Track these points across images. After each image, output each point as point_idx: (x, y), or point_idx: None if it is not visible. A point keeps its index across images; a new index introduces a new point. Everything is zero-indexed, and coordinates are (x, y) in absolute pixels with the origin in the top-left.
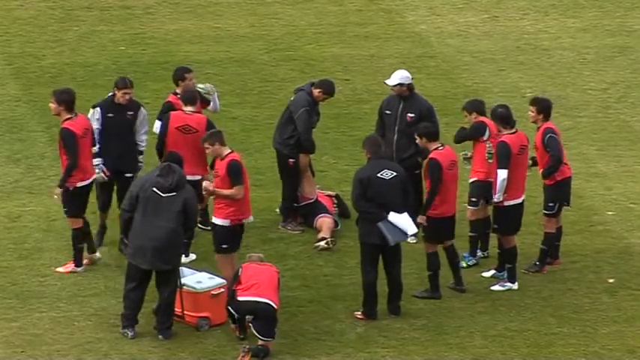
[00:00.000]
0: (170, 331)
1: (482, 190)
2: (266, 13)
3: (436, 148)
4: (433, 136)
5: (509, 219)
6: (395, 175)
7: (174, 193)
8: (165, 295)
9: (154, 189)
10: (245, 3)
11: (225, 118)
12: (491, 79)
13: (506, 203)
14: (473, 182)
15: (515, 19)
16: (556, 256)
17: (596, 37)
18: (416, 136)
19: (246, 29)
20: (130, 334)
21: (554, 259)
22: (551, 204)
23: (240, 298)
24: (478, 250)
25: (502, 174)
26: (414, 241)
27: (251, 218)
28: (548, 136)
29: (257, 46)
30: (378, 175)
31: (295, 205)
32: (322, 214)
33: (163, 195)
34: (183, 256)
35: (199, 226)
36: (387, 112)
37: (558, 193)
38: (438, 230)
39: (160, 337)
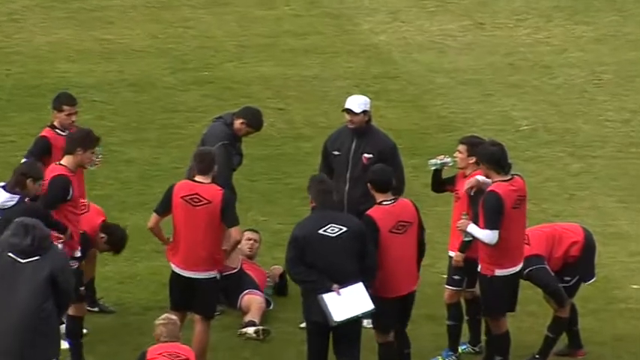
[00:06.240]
0: None
1: (468, 267)
2: (172, 20)
3: (381, 202)
4: (380, 185)
5: (499, 295)
6: (344, 232)
7: (37, 257)
8: None
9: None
10: (144, 7)
11: (117, 161)
12: (475, 106)
13: (497, 273)
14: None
15: (508, 27)
16: (579, 344)
17: (615, 50)
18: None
19: (145, 42)
20: None
21: (577, 348)
22: (567, 278)
23: None
24: (465, 345)
25: (491, 237)
26: (369, 325)
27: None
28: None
29: (159, 64)
30: (321, 231)
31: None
32: (249, 290)
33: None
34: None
35: None
36: (335, 152)
37: (579, 264)
38: (382, 314)
39: None
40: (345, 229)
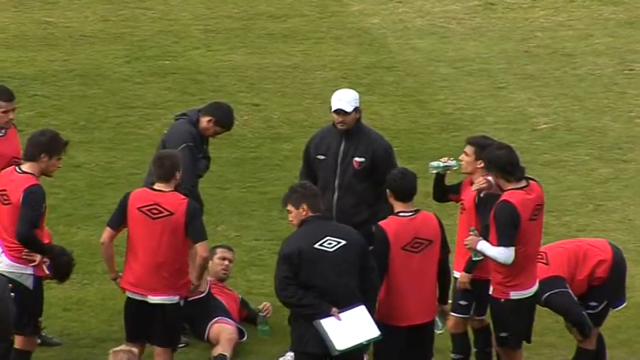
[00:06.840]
0: None
1: (477, 289)
2: (126, 0)
3: (398, 213)
4: (401, 193)
5: (514, 322)
6: (342, 245)
7: None
8: None
9: None
10: None
11: (64, 167)
12: (484, 101)
13: (513, 295)
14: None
15: (522, 8)
16: None
17: None
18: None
19: (95, 25)
20: None
21: None
22: (593, 303)
23: None
24: None
25: (506, 255)
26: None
27: None
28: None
29: (112, 51)
30: (317, 245)
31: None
32: (219, 318)
33: None
34: None
35: None
36: (321, 156)
37: (607, 288)
38: (390, 346)
39: None
40: (343, 242)
